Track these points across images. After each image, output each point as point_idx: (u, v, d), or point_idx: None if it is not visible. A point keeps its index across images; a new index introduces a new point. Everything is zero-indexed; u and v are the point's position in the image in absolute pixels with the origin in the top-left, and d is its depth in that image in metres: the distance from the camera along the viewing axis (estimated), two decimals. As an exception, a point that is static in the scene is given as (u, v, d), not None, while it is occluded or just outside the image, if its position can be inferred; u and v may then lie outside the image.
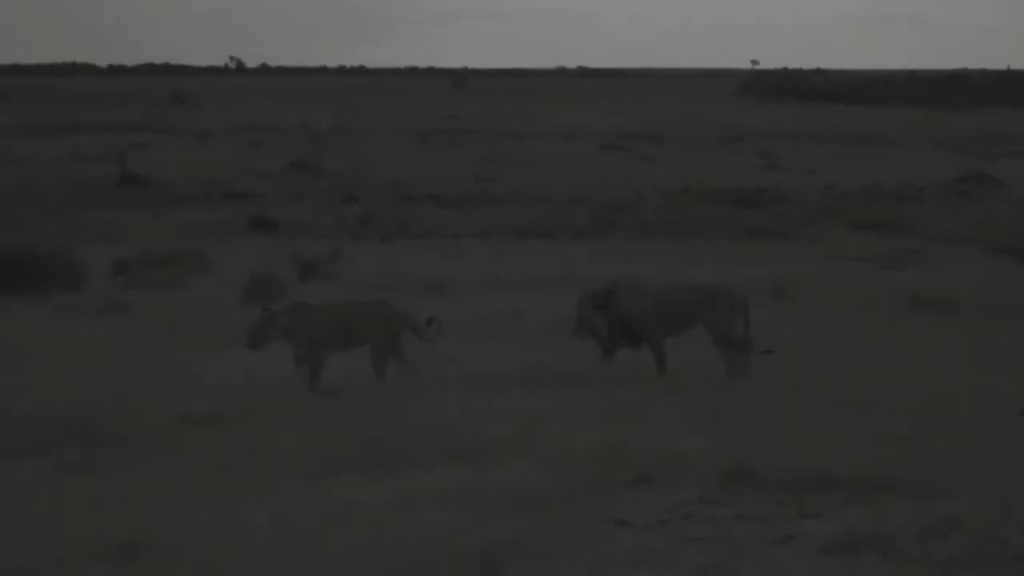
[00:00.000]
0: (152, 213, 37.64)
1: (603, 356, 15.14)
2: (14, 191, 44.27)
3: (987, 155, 59.08)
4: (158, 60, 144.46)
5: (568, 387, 14.20)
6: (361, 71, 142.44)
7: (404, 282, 22.97)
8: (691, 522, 9.54)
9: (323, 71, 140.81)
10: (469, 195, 43.74)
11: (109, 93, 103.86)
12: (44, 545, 8.86)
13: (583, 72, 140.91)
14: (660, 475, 10.56)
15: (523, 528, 9.27)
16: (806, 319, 19.17)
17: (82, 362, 14.62)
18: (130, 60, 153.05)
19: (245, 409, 13.11)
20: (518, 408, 13.11)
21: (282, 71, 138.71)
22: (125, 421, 12.54)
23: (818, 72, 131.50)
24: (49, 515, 9.60)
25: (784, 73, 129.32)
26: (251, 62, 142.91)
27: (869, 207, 38.33)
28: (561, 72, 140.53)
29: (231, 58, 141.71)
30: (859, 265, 26.45)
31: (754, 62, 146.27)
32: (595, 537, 9.21)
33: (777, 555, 8.82)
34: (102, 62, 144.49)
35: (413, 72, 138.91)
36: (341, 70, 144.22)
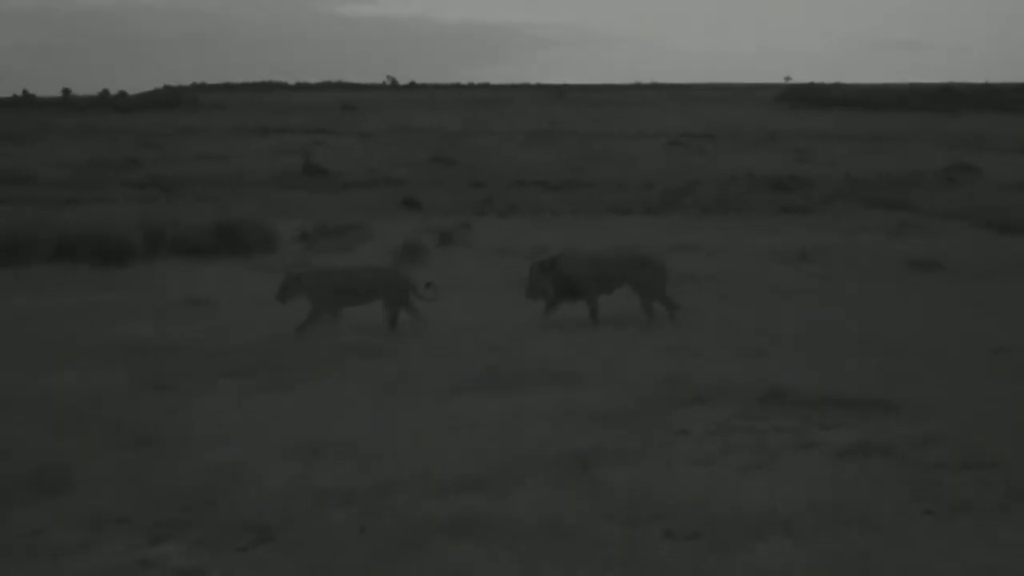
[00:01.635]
0: (328, 194, 37.89)
1: (547, 310, 14.78)
2: (228, 177, 44.80)
3: (971, 150, 58.00)
4: (333, 79, 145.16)
5: (639, 328, 14.11)
6: (484, 86, 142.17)
7: (517, 247, 22.94)
8: (735, 432, 9.43)
9: (455, 86, 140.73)
10: (566, 181, 43.58)
11: (297, 104, 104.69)
12: (247, 446, 8.91)
13: (654, 86, 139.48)
14: (711, 396, 10.45)
15: (608, 436, 9.20)
16: (826, 276, 18.89)
17: (271, 307, 14.69)
18: (312, 79, 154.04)
19: (394, 343, 13.14)
20: (603, 344, 13.03)
21: (425, 87, 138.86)
22: (301, 351, 12.62)
23: (837, 85, 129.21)
24: (250, 423, 9.66)
25: (811, 86, 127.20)
26: (402, 80, 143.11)
27: (878, 190, 37.73)
28: (637, 86, 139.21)
29: (387, 77, 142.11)
30: (869, 235, 26.03)
31: (787, 78, 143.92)
32: (663, 443, 9.13)
33: (802, 458, 8.70)
34: (292, 80, 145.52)
35: (524, 87, 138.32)
36: (469, 85, 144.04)
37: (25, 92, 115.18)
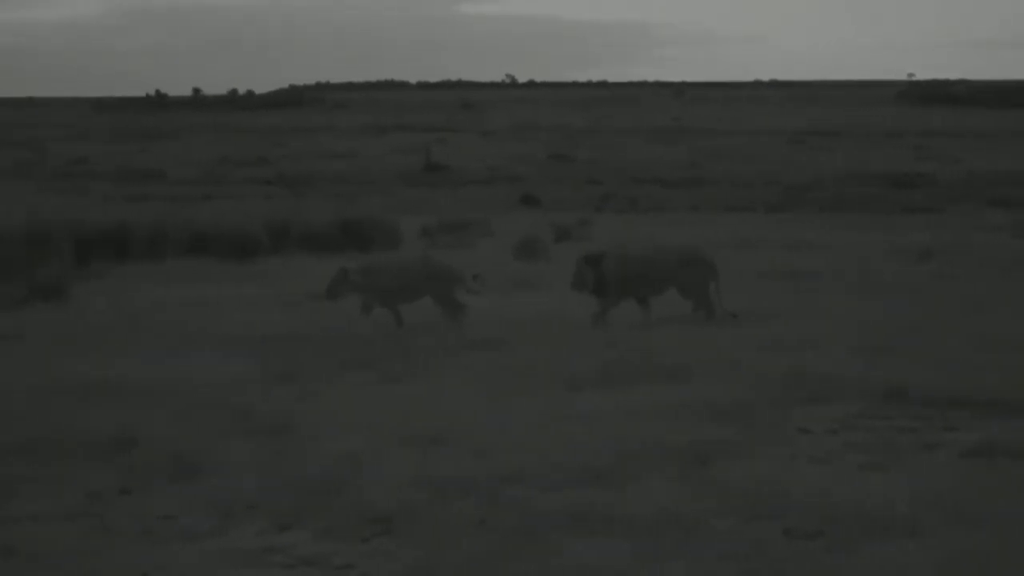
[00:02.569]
0: (449, 191, 38.19)
1: (599, 308, 14.24)
2: (352, 174, 45.41)
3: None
4: (453, 77, 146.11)
5: (759, 322, 13.93)
6: (603, 84, 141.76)
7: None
8: (856, 430, 9.27)
9: (576, 84, 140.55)
10: (685, 178, 43.31)
11: (418, 103, 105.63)
12: (370, 437, 9.02)
13: (774, 83, 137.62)
14: (830, 393, 10.28)
15: (726, 431, 9.12)
16: (948, 275, 18.45)
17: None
18: (433, 78, 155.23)
19: (513, 336, 13.17)
20: (720, 339, 12.92)
21: (545, 85, 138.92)
22: (428, 343, 12.73)
23: (961, 82, 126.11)
24: (372, 414, 9.77)
25: (934, 83, 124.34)
26: (522, 78, 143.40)
27: (1001, 188, 36.79)
28: (757, 83, 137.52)
29: (507, 75, 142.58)
30: (991, 233, 25.36)
31: (910, 74, 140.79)
32: (782, 440, 9.01)
33: (925, 458, 8.52)
34: (413, 80, 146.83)
35: (643, 85, 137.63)
36: (588, 83, 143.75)
37: (158, 92, 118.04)
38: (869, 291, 16.56)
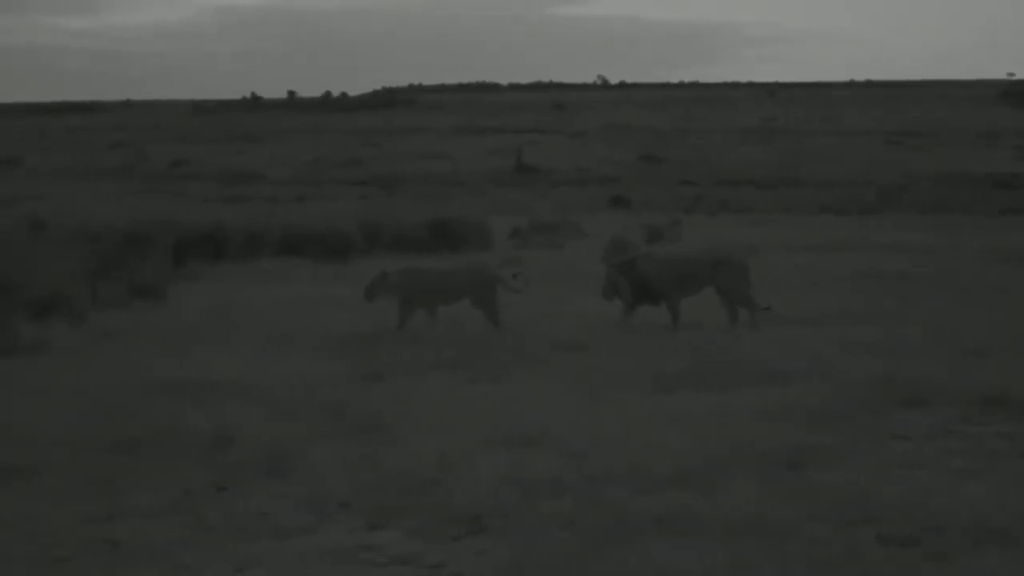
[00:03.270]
0: (540, 192, 38.24)
1: (625, 311, 14.26)
2: (444, 176, 45.69)
3: None
4: (544, 79, 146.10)
5: (853, 326, 13.76)
6: (694, 85, 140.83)
7: (726, 246, 22.67)
8: (953, 436, 9.11)
9: (667, 85, 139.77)
10: (778, 179, 42.90)
11: (510, 104, 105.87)
12: (460, 436, 9.06)
13: (869, 83, 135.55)
14: (927, 398, 10.11)
15: (819, 436, 9.01)
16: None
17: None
18: (524, 79, 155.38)
19: (600, 339, 13.16)
20: (813, 341, 12.78)
21: (636, 86, 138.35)
22: (513, 345, 12.76)
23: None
24: (462, 413, 9.82)
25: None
26: (613, 79, 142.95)
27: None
28: (851, 84, 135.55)
29: (598, 76, 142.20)
30: (1096, 236, 24.76)
31: (1010, 74, 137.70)
32: (876, 446, 8.88)
33: (1022, 466, 8.34)
34: (504, 81, 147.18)
35: (735, 85, 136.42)
36: (679, 84, 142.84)
37: (253, 95, 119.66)
38: (965, 294, 16.28)
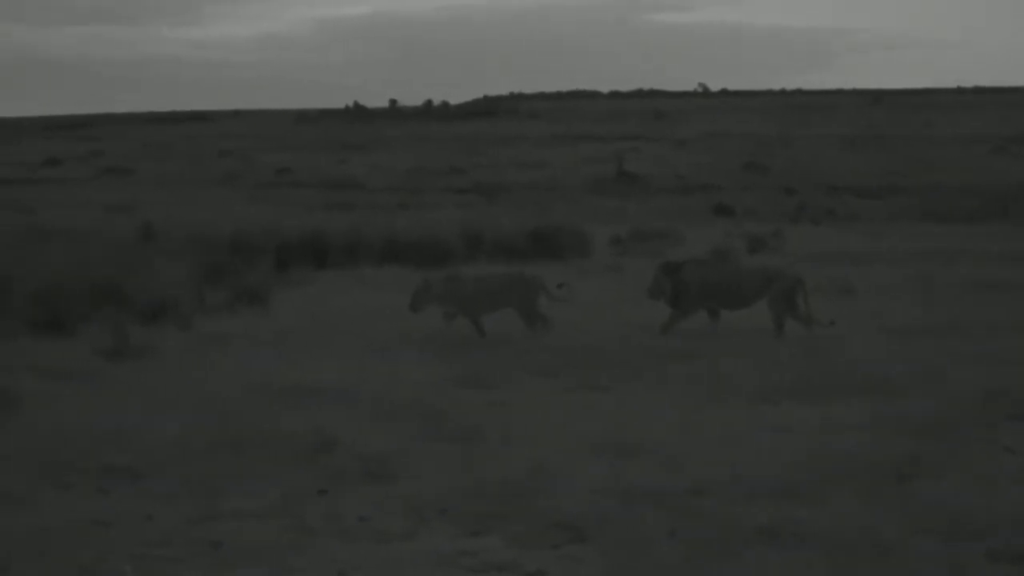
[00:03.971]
0: (640, 201, 38.08)
1: (672, 317, 13.98)
2: (544, 184, 45.74)
3: None
4: (645, 87, 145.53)
5: (963, 337, 13.44)
6: (798, 92, 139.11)
7: (831, 255, 22.38)
8: (1068, 451, 8.84)
9: (768, 93, 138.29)
10: (883, 187, 42.22)
11: (610, 112, 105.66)
12: (561, 444, 9.02)
13: (978, 90, 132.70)
14: (1040, 411, 9.83)
15: (927, 448, 8.80)
16: None
17: (586, 308, 14.86)
18: (625, 87, 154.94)
19: (705, 347, 13.03)
20: (923, 352, 12.51)
21: (738, 93, 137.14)
22: (617, 354, 12.69)
23: None
24: (563, 421, 9.78)
25: None
26: (714, 86, 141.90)
27: None
28: (959, 90, 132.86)
29: (699, 84, 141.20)
30: None
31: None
32: (986, 459, 8.65)
33: None
34: (605, 89, 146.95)
35: (839, 92, 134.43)
36: (782, 91, 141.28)
37: (356, 103, 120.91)
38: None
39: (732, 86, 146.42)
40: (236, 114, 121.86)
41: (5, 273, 15.18)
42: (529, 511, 7.55)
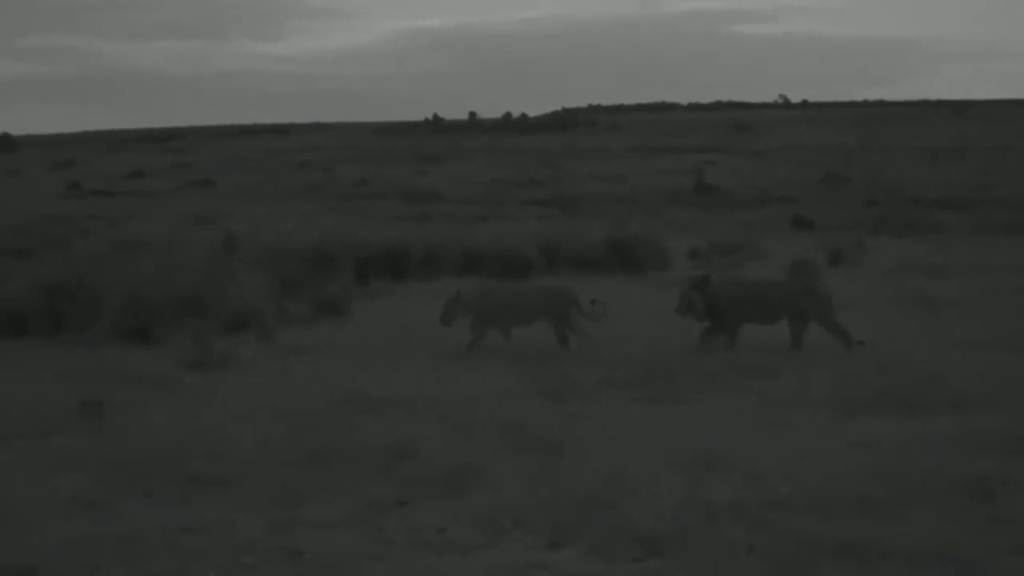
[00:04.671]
0: (720, 213, 37.86)
1: (706, 333, 13.81)
2: (623, 196, 45.66)
3: None
4: (724, 99, 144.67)
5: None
6: (879, 103, 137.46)
7: (912, 267, 22.09)
8: None
9: (850, 104, 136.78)
10: (968, 200, 41.54)
11: (689, 124, 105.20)
12: (639, 456, 9.00)
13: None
14: None
15: (1013, 465, 8.64)
16: None
17: (661, 320, 14.82)
18: (704, 99, 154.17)
19: (783, 361, 12.93)
20: (1008, 367, 12.29)
21: (819, 104, 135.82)
22: (696, 366, 12.63)
23: None
24: (641, 434, 9.75)
25: None
26: (795, 98, 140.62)
27: None
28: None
29: (780, 95, 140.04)
30: None
31: None
32: (1072, 476, 8.48)
33: None
34: (684, 101, 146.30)
35: (922, 103, 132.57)
36: (865, 102, 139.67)
37: (435, 116, 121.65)
38: None
39: (813, 97, 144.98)
40: (317, 127, 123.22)
41: (95, 284, 15.50)
42: (607, 524, 7.54)
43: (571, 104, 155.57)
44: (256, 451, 9.18)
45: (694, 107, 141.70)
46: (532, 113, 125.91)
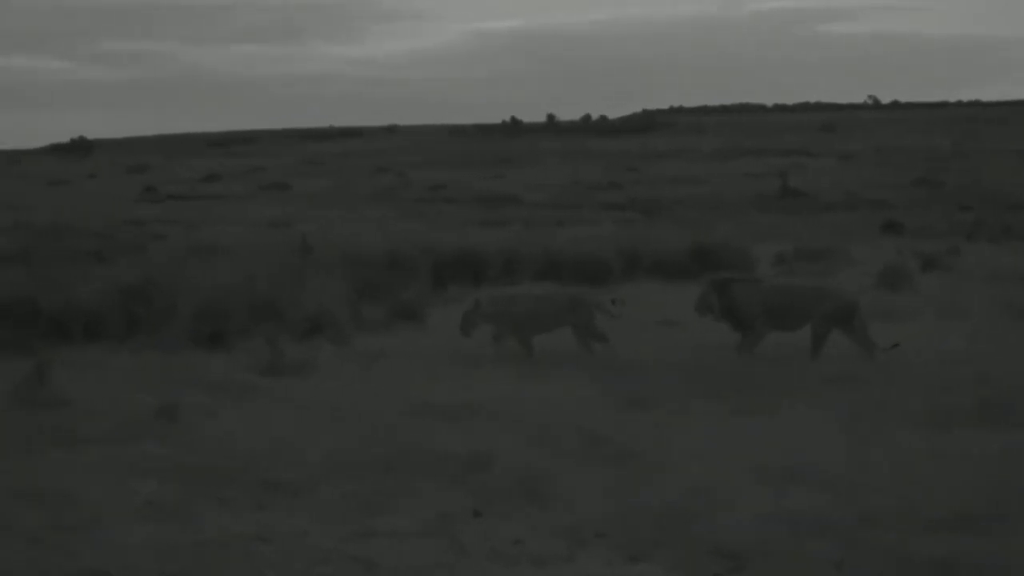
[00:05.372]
0: (805, 217, 37.46)
1: (745, 340, 13.77)
2: (705, 199, 45.38)
3: None
4: (812, 100, 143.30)
5: None
6: (974, 104, 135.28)
7: (1009, 274, 21.67)
8: None
9: (942, 105, 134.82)
10: (1067, 203, 40.68)
11: (774, 126, 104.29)
12: (722, 468, 8.91)
13: None
14: None
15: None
16: None
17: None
18: (790, 100, 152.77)
19: (874, 370, 12.74)
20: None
21: (910, 106, 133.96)
22: (780, 376, 12.49)
23: None
24: (724, 445, 9.67)
25: None
26: (885, 99, 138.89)
27: None
28: None
29: (869, 96, 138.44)
30: None
31: None
32: None
33: None
34: (769, 102, 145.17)
35: (1019, 104, 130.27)
36: (959, 103, 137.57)
37: (513, 118, 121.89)
38: None
39: (904, 98, 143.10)
40: (391, 130, 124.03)
41: (170, 288, 15.72)
42: (688, 537, 7.48)
43: (652, 106, 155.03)
44: (330, 458, 9.24)
45: (780, 108, 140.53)
46: (611, 115, 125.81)
